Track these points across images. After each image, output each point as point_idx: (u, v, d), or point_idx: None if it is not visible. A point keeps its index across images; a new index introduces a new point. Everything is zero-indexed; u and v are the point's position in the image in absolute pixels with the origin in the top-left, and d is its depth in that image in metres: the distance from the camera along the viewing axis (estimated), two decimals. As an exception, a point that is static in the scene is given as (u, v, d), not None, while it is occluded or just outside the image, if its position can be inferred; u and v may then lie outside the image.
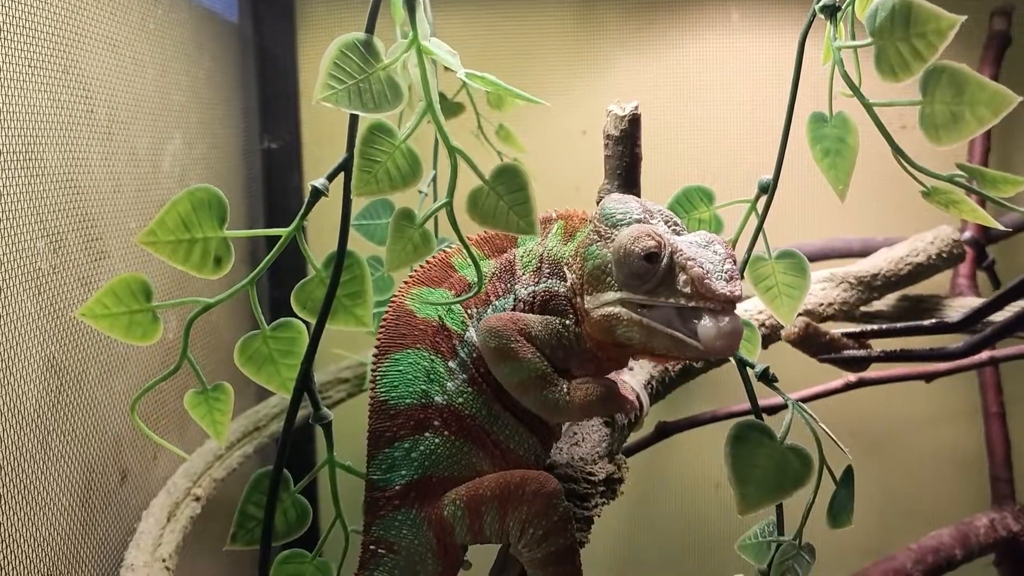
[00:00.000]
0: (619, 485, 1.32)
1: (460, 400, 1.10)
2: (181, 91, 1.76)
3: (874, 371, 1.68)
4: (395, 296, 1.15)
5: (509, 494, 1.05)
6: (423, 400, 1.09)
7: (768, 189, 1.23)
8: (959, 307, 1.79)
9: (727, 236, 1.30)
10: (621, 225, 1.04)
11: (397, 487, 1.08)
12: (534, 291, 1.12)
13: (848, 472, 1.14)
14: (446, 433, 1.09)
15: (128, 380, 1.50)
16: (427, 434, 1.09)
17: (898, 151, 1.11)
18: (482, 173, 1.06)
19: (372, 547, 1.09)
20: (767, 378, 1.18)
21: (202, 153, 1.83)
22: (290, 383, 1.09)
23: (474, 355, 1.11)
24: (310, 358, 1.07)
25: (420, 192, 1.66)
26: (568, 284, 1.11)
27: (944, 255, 1.77)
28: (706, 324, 0.96)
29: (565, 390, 1.06)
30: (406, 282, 1.16)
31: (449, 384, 1.10)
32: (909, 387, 1.91)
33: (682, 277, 0.97)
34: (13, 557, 1.15)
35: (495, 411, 1.11)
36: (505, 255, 1.18)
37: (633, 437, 1.55)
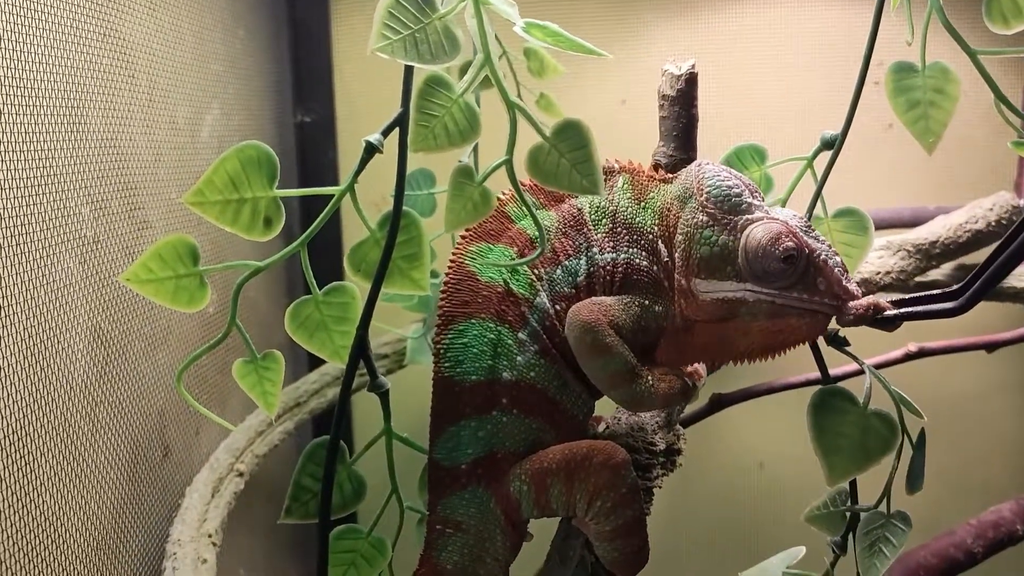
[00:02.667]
0: (678, 456, 1.28)
1: (531, 374, 1.05)
2: (219, 60, 1.73)
3: (935, 341, 1.63)
4: (454, 254, 1.09)
5: (576, 466, 1.02)
6: (490, 377, 1.05)
7: (832, 144, 1.18)
8: (1018, 276, 1.74)
9: (776, 195, 1.26)
10: (740, 212, 1.03)
11: (463, 466, 1.05)
12: (613, 260, 1.08)
13: (920, 436, 1.10)
14: (515, 411, 1.04)
15: (170, 354, 1.47)
16: (494, 412, 1.04)
17: (1001, 98, 1.07)
18: (543, 130, 1.02)
19: (439, 527, 1.06)
20: (839, 342, 1.13)
21: (238, 125, 1.79)
22: (344, 351, 1.05)
23: (546, 323, 1.06)
24: (366, 323, 1.03)
25: (461, 161, 1.62)
26: (654, 258, 1.07)
27: (1004, 221, 1.71)
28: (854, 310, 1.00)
29: (651, 382, 1.04)
30: (464, 237, 1.10)
31: (519, 358, 1.05)
32: (966, 360, 1.86)
33: (819, 278, 1.00)
34: (63, 529, 1.12)
35: (566, 379, 1.07)
36: (566, 205, 1.11)
37: (688, 408, 1.50)
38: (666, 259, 1.07)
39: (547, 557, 1.11)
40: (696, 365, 1.17)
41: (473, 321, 1.06)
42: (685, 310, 1.05)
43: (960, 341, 1.64)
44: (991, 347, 1.64)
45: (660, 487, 1.21)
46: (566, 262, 1.08)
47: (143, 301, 1.37)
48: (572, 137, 1.03)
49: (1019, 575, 1.83)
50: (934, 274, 1.77)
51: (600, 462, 1.01)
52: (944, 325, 1.84)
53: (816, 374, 1.17)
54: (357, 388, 1.85)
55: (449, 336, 1.06)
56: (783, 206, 1.21)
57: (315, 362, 1.99)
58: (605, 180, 1.11)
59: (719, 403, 1.57)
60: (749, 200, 1.04)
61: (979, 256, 1.78)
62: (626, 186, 1.11)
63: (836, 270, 1.00)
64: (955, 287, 1.08)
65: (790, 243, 0.99)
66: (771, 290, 1.00)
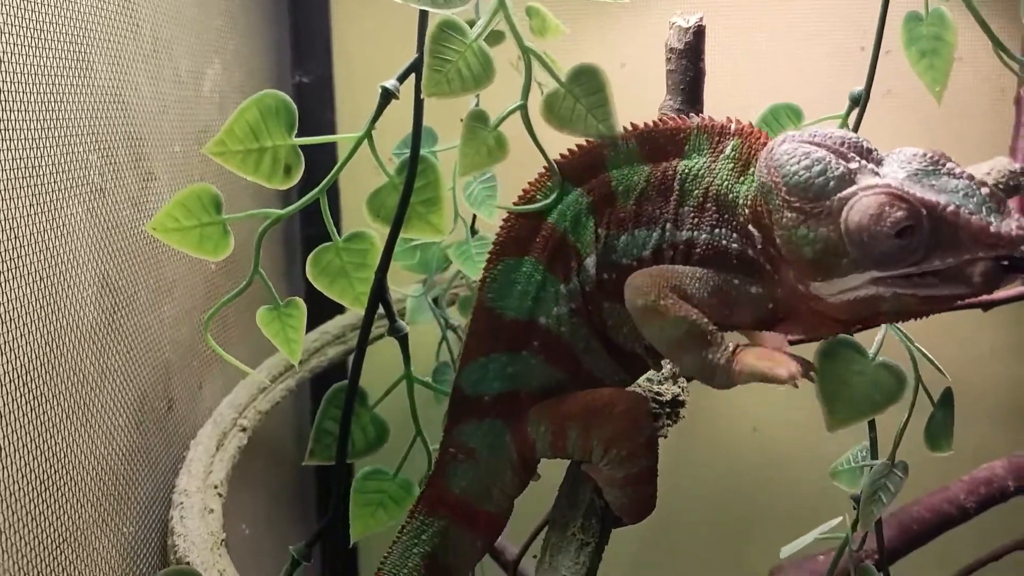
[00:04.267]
0: (682, 408, 1.30)
1: (563, 328, 1.02)
2: (220, 16, 1.72)
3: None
4: (532, 183, 1.04)
5: (596, 412, 1.01)
6: (528, 317, 1.02)
7: (860, 101, 1.19)
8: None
9: None
10: (828, 193, 0.85)
11: (486, 398, 1.04)
12: (693, 239, 0.97)
13: (947, 394, 1.11)
14: (542, 357, 1.03)
15: (175, 307, 1.47)
16: (524, 352, 1.03)
17: (997, 43, 1.08)
18: (558, 75, 1.03)
19: (452, 450, 1.06)
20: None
21: (240, 82, 1.78)
22: (364, 297, 1.06)
23: (587, 287, 1.02)
24: (385, 267, 1.03)
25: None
26: (746, 241, 0.94)
27: (1000, 187, 1.73)
28: (980, 272, 0.82)
29: (730, 351, 0.92)
30: (547, 168, 1.03)
31: (555, 309, 1.02)
32: (962, 322, 1.88)
33: (959, 233, 0.81)
34: (72, 469, 1.12)
35: (593, 346, 1.04)
36: (664, 165, 1.00)
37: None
38: (760, 245, 0.93)
39: (556, 501, 1.12)
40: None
41: (525, 259, 1.02)
42: (818, 307, 0.91)
43: (957, 300, 1.65)
44: (987, 306, 1.65)
45: (665, 436, 1.23)
46: (636, 231, 1.00)
47: (149, 253, 1.37)
48: (587, 82, 1.04)
49: (1009, 530, 1.86)
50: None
51: (621, 411, 1.00)
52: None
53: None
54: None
55: (499, 267, 1.03)
56: None
57: (316, 321, 1.99)
58: (717, 143, 0.98)
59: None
60: (838, 172, 0.85)
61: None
62: (734, 153, 0.96)
63: (977, 215, 0.80)
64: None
65: (899, 213, 0.81)
66: (903, 271, 0.83)
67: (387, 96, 1.03)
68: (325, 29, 2.15)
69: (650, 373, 1.27)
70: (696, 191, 0.98)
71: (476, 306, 1.05)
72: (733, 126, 0.99)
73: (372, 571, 1.05)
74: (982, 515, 1.72)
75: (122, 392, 1.28)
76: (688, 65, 1.25)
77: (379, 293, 1.02)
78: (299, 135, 2.19)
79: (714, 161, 0.98)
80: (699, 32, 1.24)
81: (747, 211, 0.94)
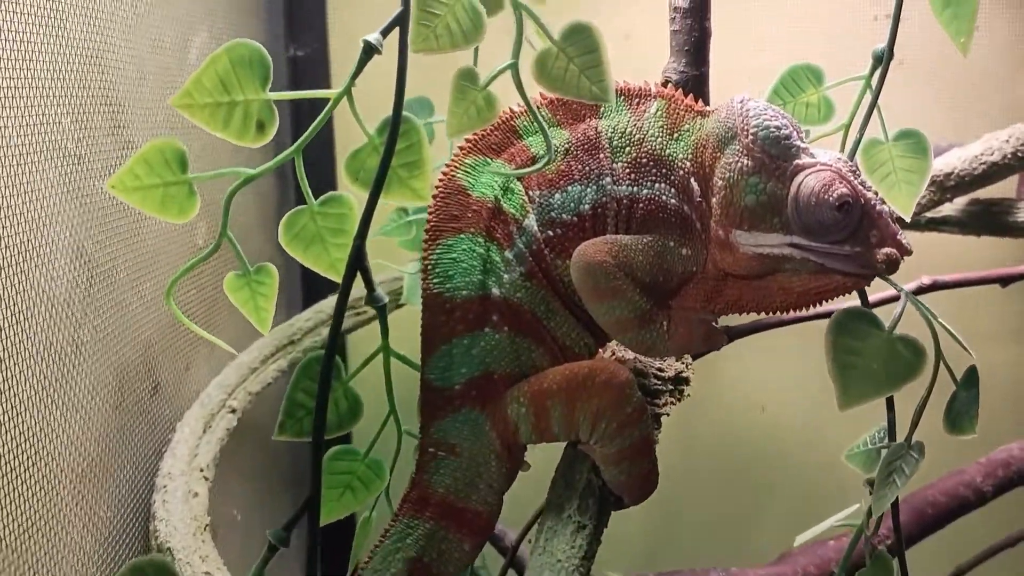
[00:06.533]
0: (686, 385, 1.24)
1: (518, 295, 1.00)
2: (207, -18, 1.66)
3: (948, 274, 1.59)
4: (448, 166, 1.03)
5: (577, 386, 0.97)
6: (480, 292, 0.99)
7: (883, 59, 1.12)
8: (1033, 209, 1.69)
9: (840, 121, 1.19)
10: (790, 157, 0.95)
11: (457, 386, 1.00)
12: (633, 194, 1.00)
13: (972, 373, 1.05)
14: (505, 329, 0.99)
15: (157, 282, 1.42)
16: (486, 329, 0.99)
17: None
18: (551, 33, 0.97)
19: (431, 449, 1.01)
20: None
21: (229, 51, 1.72)
22: (340, 264, 0.99)
23: (533, 247, 1.00)
24: (363, 233, 0.97)
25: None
26: (684, 196, 0.99)
27: (1020, 154, 1.66)
28: (884, 255, 0.95)
29: (665, 327, 0.98)
30: (462, 148, 1.04)
31: (506, 276, 1.00)
32: (979, 300, 1.82)
33: (872, 231, 0.94)
34: (44, 450, 1.07)
35: (553, 307, 1.02)
36: (583, 126, 1.03)
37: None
38: (699, 199, 0.99)
39: (552, 483, 1.06)
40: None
41: (462, 235, 1.00)
42: (720, 262, 0.98)
43: (975, 274, 1.60)
44: (1006, 280, 1.59)
45: (668, 415, 1.17)
46: (568, 187, 1.01)
47: (128, 225, 1.32)
48: (582, 41, 0.98)
49: (1029, 514, 1.80)
50: (946, 209, 1.72)
51: (603, 381, 0.95)
52: (957, 260, 1.82)
53: (830, 308, 1.12)
54: (355, 327, 1.82)
55: (438, 251, 1.00)
56: (846, 132, 1.15)
57: (309, 300, 1.93)
58: (637, 104, 1.04)
59: (728, 335, 1.51)
60: (798, 143, 0.96)
61: (993, 191, 1.75)
62: (660, 113, 1.02)
63: (890, 221, 0.95)
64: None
65: (844, 190, 0.92)
66: (821, 244, 0.94)
67: (369, 51, 0.97)
68: (320, 1, 2.09)
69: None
70: (628, 147, 1.01)
71: (424, 298, 1.01)
72: (653, 89, 1.04)
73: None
74: (1000, 498, 1.66)
75: (99, 371, 1.22)
76: (693, 24, 1.21)
77: (357, 260, 0.96)
78: (293, 110, 2.14)
79: (638, 120, 1.02)
80: (704, -11, 1.19)
81: (688, 164, 0.99)
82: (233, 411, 1.56)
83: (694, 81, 1.21)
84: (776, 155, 0.94)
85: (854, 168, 0.98)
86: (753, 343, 1.69)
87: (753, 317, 1.69)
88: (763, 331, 1.53)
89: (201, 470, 1.40)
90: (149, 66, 1.41)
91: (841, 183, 0.92)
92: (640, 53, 1.66)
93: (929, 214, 1.72)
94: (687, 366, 1.24)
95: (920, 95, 1.98)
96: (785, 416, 2.18)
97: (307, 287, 2.06)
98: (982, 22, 2.22)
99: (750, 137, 0.95)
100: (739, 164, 0.95)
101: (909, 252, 0.96)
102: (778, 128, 0.95)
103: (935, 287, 1.54)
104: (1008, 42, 2.02)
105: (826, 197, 0.92)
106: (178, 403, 1.52)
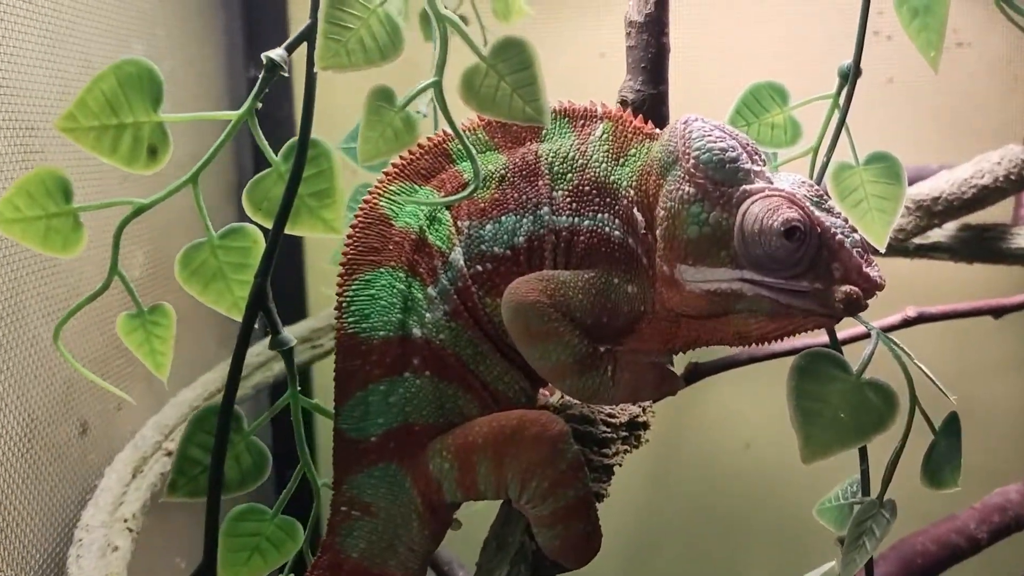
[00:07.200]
0: (643, 431, 1.14)
1: (441, 336, 0.90)
2: (146, -4, 1.57)
3: (935, 306, 1.48)
4: (370, 193, 0.94)
5: (505, 440, 0.87)
6: (400, 333, 0.90)
7: (848, 77, 1.03)
8: (1027, 236, 1.59)
9: (807, 143, 1.10)
10: (736, 182, 0.84)
11: (373, 438, 0.90)
12: (574, 226, 0.90)
13: (952, 420, 0.95)
14: (427, 373, 0.90)
15: (80, 317, 1.32)
16: (406, 374, 0.90)
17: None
18: (479, 49, 0.88)
19: (344, 508, 0.91)
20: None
21: (171, 70, 1.63)
22: (243, 303, 0.90)
23: (458, 283, 0.91)
24: (266, 271, 0.87)
25: (419, 112, 1.46)
26: (628, 228, 0.89)
27: (1012, 177, 1.56)
28: (843, 294, 0.83)
29: (609, 373, 0.88)
30: (386, 173, 0.94)
31: (428, 315, 0.90)
32: (969, 330, 1.71)
33: (834, 263, 0.83)
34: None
35: (482, 350, 0.92)
36: (523, 150, 0.94)
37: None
38: (644, 231, 0.89)
39: (484, 544, 0.96)
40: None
41: (382, 270, 0.91)
42: (668, 302, 0.88)
43: (964, 305, 1.49)
44: (998, 312, 1.49)
45: (620, 465, 1.06)
46: (502, 217, 0.91)
47: (45, 255, 1.22)
48: (514, 57, 0.91)
49: (1026, 564, 1.68)
50: (936, 235, 1.62)
51: (533, 435, 0.86)
52: (946, 289, 1.72)
53: (809, 341, 1.02)
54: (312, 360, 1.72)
55: (354, 287, 0.91)
56: (815, 154, 1.07)
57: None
58: (582, 126, 0.95)
59: (695, 373, 1.41)
60: (747, 166, 0.85)
61: (986, 215, 1.65)
62: (606, 136, 0.93)
63: (855, 251, 0.83)
64: None
65: (793, 214, 0.81)
66: (774, 280, 0.82)
67: (272, 68, 0.88)
68: (282, 15, 2.00)
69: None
70: (570, 174, 0.92)
71: (337, 339, 0.91)
72: (600, 109, 0.95)
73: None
74: (995, 546, 1.54)
75: (5, 414, 1.12)
76: (650, 40, 1.14)
77: (258, 300, 0.86)
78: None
79: (583, 143, 0.93)
80: (661, 2, 1.12)
81: (632, 192, 0.90)
82: (169, 454, 1.45)
83: (652, 100, 1.14)
84: (720, 180, 0.84)
85: (820, 193, 0.87)
86: (737, 374, 1.60)
87: (724, 351, 1.61)
88: (734, 368, 1.43)
89: (126, 520, 1.30)
90: (75, 86, 1.31)
91: (790, 208, 0.81)
92: (616, 72, 1.56)
93: (917, 240, 1.63)
94: (644, 410, 1.14)
95: (910, 113, 1.91)
96: (771, 454, 2.07)
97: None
98: (974, 38, 2.11)
99: (691, 161, 0.85)
100: (680, 192, 0.85)
101: (879, 286, 0.84)
102: (723, 151, 0.84)
103: (921, 319, 1.44)
104: (1001, 59, 1.93)
105: (771, 224, 0.81)
106: (109, 445, 1.42)
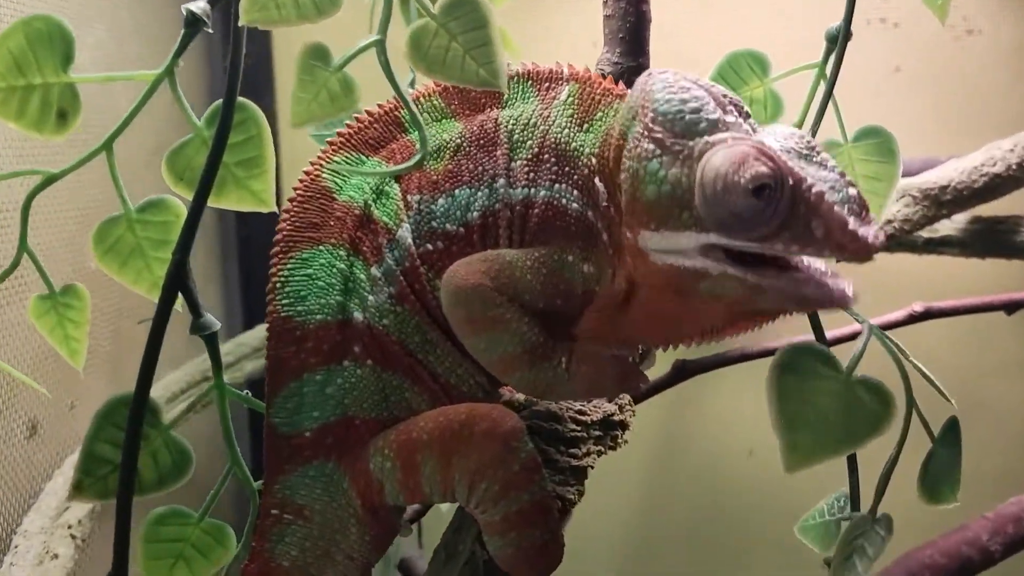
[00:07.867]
0: (621, 431, 1.04)
1: (385, 321, 0.82)
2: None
3: (944, 300, 1.39)
4: (312, 164, 0.86)
5: (452, 436, 0.78)
6: (339, 317, 0.82)
7: (837, 40, 0.94)
8: (1042, 228, 1.50)
9: (790, 120, 1.02)
10: (697, 133, 0.72)
11: (308, 433, 0.82)
12: (528, 197, 0.82)
13: (952, 427, 0.86)
14: (369, 362, 0.82)
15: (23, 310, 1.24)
16: (345, 363, 0.82)
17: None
18: (428, 5, 0.80)
19: (275, 511, 0.83)
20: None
21: (136, 54, 1.56)
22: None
23: (406, 263, 0.83)
24: (185, 246, 0.79)
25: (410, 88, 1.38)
26: (587, 199, 0.80)
27: (1024, 164, 1.46)
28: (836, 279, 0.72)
29: (563, 366, 0.80)
30: (331, 143, 0.86)
31: (371, 298, 0.82)
32: (979, 328, 1.61)
33: (814, 221, 0.69)
34: None
35: (431, 338, 0.83)
36: (481, 117, 0.86)
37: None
38: (605, 203, 0.80)
39: (433, 553, 0.87)
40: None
41: (321, 248, 0.83)
42: (634, 273, 0.78)
43: (973, 300, 1.39)
44: (1011, 308, 1.38)
45: (592, 467, 0.97)
46: (455, 191, 0.83)
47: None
48: (466, 15, 0.84)
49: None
50: (945, 228, 1.53)
51: (483, 431, 0.77)
52: (955, 284, 1.63)
53: (803, 337, 0.94)
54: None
55: (290, 265, 0.83)
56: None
57: (252, 324, 1.77)
58: (547, 90, 0.86)
59: (683, 371, 1.32)
60: (714, 116, 0.73)
61: (998, 207, 1.56)
62: (571, 99, 0.84)
63: (841, 208, 0.70)
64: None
65: (762, 168, 0.69)
66: (744, 243, 0.71)
67: (193, 23, 0.80)
68: None
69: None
70: (530, 142, 0.84)
71: (270, 322, 0.83)
72: (566, 71, 0.87)
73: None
74: (1009, 559, 1.44)
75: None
76: (627, 8, 1.07)
77: (176, 279, 0.77)
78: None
79: (546, 108, 0.85)
80: (639, -34, 1.03)
81: (593, 160, 0.81)
82: (125, 456, 1.38)
83: (631, 73, 1.07)
84: (680, 132, 0.73)
85: (813, 146, 0.75)
86: (739, 378, 1.52)
87: (713, 349, 1.52)
88: (724, 366, 1.33)
89: (69, 526, 1.22)
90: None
91: (758, 159, 0.69)
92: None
93: (925, 233, 1.55)
94: (621, 408, 1.05)
95: (918, 102, 1.85)
96: (775, 461, 1.97)
97: (248, 308, 1.89)
98: (985, 25, 2.01)
99: (650, 115, 0.74)
100: (639, 149, 0.74)
101: (870, 247, 0.70)
102: (683, 101, 0.73)
103: (929, 315, 1.34)
104: (1014, 46, 1.85)
105: (736, 179, 0.69)
106: (60, 446, 1.34)
